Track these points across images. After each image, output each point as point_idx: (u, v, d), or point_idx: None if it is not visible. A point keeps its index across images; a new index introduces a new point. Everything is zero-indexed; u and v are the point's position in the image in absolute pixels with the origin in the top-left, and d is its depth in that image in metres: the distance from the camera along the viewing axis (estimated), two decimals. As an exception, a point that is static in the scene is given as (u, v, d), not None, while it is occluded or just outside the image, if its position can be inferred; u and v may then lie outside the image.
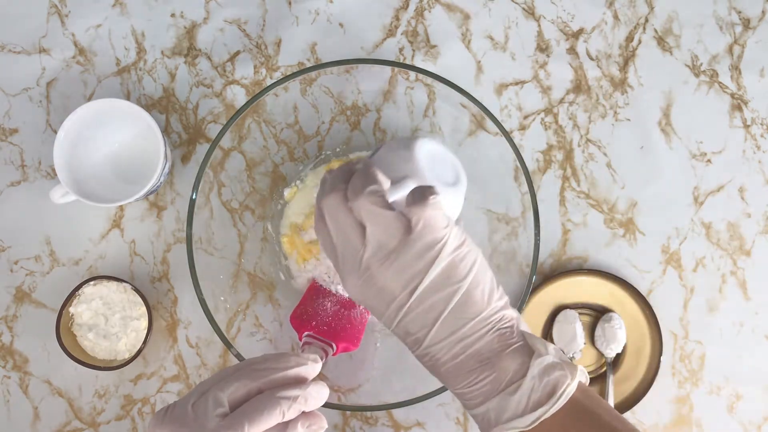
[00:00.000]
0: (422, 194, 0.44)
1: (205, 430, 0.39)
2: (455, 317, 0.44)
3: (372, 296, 0.45)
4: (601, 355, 0.70)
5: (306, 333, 0.60)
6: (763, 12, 0.75)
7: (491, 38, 0.74)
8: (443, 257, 0.43)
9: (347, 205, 0.44)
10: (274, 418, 0.41)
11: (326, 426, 0.45)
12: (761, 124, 0.74)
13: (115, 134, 0.69)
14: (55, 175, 0.70)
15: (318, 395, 0.44)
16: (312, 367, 0.44)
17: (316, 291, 0.65)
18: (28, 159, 0.71)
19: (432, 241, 0.43)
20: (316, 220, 0.48)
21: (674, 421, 0.70)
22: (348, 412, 0.70)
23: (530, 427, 0.42)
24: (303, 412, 0.44)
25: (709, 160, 0.73)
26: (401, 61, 0.73)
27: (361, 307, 0.64)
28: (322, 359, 0.59)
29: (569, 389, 0.42)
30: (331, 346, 0.60)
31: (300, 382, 0.43)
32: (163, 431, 0.41)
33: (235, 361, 0.69)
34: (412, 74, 0.65)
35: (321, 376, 0.63)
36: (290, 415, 0.42)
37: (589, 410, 0.43)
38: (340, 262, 0.45)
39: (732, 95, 0.74)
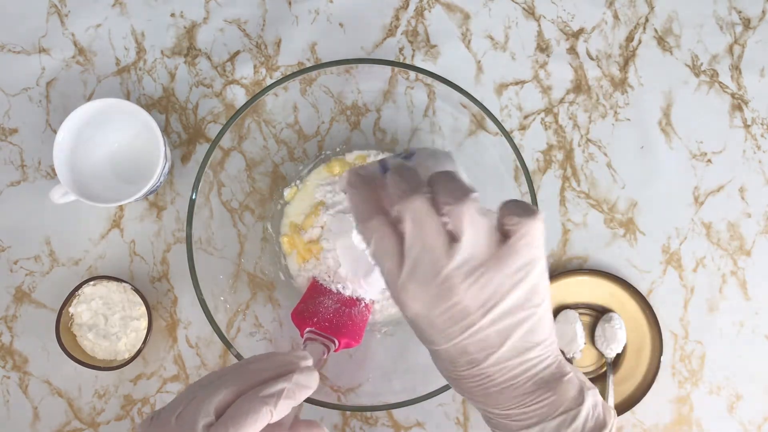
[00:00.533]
0: (529, 206, 0.40)
1: None
2: (523, 340, 0.41)
3: (440, 311, 0.40)
4: (601, 355, 0.70)
5: (308, 329, 0.60)
6: (763, 12, 0.75)
7: (491, 38, 0.74)
8: (532, 278, 0.40)
9: (438, 210, 0.39)
10: (262, 419, 0.38)
11: None
12: (761, 124, 0.74)
13: (115, 134, 0.69)
14: (55, 175, 0.70)
15: (306, 383, 0.41)
16: (303, 365, 0.42)
17: (316, 289, 0.65)
18: (28, 159, 0.71)
19: (528, 259, 0.39)
20: (365, 219, 0.41)
21: (674, 421, 0.70)
22: (348, 412, 0.69)
23: None
24: (302, 422, 0.42)
25: (709, 160, 0.73)
26: (401, 61, 0.73)
27: (362, 305, 0.64)
28: (324, 355, 0.58)
29: (615, 425, 0.43)
30: (333, 342, 0.60)
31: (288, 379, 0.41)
32: None
33: (234, 361, 0.69)
34: (412, 74, 0.65)
35: (321, 376, 0.63)
36: (280, 412, 0.39)
37: None
38: (406, 271, 0.40)
39: (732, 95, 0.74)
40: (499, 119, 0.68)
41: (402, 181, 0.41)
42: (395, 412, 0.70)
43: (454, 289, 0.39)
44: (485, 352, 0.41)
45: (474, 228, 0.39)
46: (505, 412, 0.42)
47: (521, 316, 0.40)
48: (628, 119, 0.73)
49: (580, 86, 0.73)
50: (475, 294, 0.39)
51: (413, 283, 0.40)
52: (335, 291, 0.64)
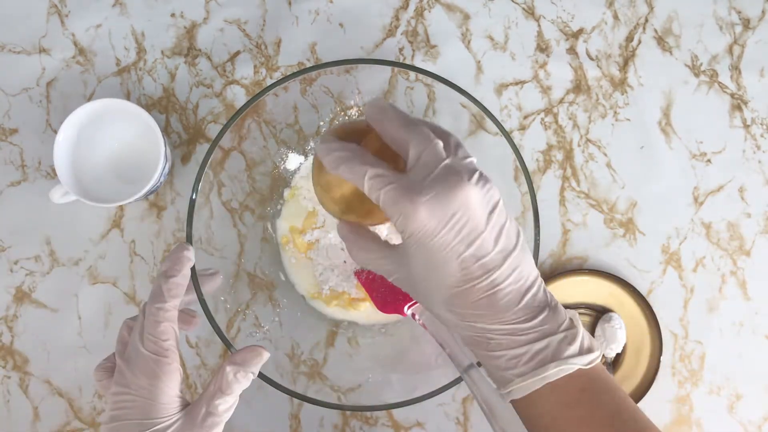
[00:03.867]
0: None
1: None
2: (521, 256, 0.43)
3: (456, 214, 0.41)
4: (601, 355, 0.70)
5: (407, 308, 0.60)
6: (763, 12, 0.75)
7: (491, 38, 0.74)
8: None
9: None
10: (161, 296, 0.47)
11: (251, 373, 0.47)
12: (761, 124, 0.74)
13: (115, 134, 0.69)
14: (55, 175, 0.70)
15: (174, 253, 0.48)
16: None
17: (369, 281, 0.64)
18: (28, 159, 0.71)
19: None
20: (365, 164, 0.42)
21: (674, 421, 0.70)
22: (348, 412, 0.70)
23: (588, 366, 0.43)
24: (233, 363, 0.46)
25: (709, 160, 0.73)
26: (401, 61, 0.73)
27: None
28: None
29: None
30: None
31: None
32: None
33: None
34: (412, 74, 0.65)
35: (321, 376, 0.63)
36: (169, 289, 0.47)
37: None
38: (416, 179, 0.41)
39: (732, 95, 0.74)
40: (499, 119, 0.68)
41: (405, 115, 0.43)
42: (395, 412, 0.70)
43: (465, 189, 0.40)
44: (502, 255, 0.42)
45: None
46: (512, 326, 0.43)
47: (514, 230, 0.43)
48: (628, 119, 0.73)
49: (579, 86, 0.73)
50: (481, 198, 0.41)
51: (426, 188, 0.40)
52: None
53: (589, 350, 0.43)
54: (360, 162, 0.42)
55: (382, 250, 0.45)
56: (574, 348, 0.43)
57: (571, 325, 0.44)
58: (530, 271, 0.44)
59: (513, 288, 0.43)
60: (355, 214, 0.47)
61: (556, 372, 0.43)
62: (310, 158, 0.70)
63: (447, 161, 0.41)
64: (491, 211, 0.42)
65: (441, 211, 0.40)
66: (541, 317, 0.43)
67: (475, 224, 0.41)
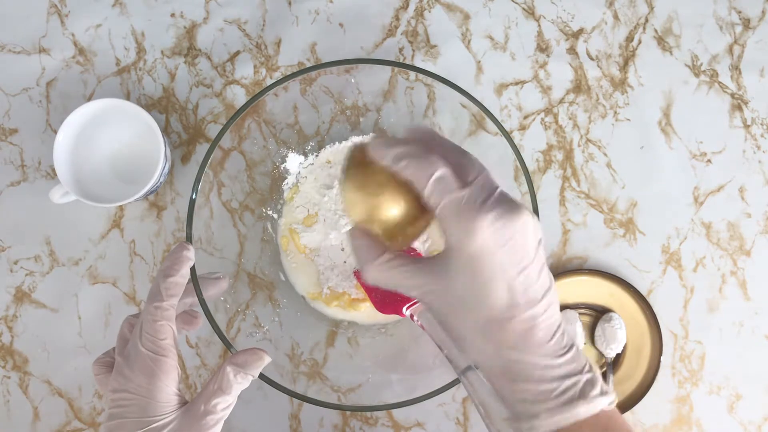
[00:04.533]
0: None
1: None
2: (554, 296, 0.44)
3: (509, 241, 0.41)
4: (601, 355, 0.70)
5: (405, 309, 0.59)
6: (763, 12, 0.75)
7: (491, 38, 0.74)
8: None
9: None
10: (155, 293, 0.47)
11: (250, 375, 0.47)
12: (761, 124, 0.74)
13: (115, 134, 0.69)
14: (55, 175, 0.70)
15: (174, 253, 0.49)
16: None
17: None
18: (28, 159, 0.71)
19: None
20: (427, 159, 0.40)
21: (674, 421, 0.70)
22: (348, 412, 0.70)
23: (609, 408, 0.43)
24: (234, 365, 0.47)
25: (709, 160, 0.73)
26: (401, 61, 0.73)
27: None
28: None
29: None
30: None
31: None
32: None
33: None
34: (412, 74, 0.65)
35: (321, 376, 0.63)
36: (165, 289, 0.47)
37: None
38: (482, 198, 0.40)
39: (732, 95, 0.74)
40: (499, 119, 0.68)
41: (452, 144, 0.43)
42: (395, 412, 0.70)
43: (524, 215, 0.40)
44: (542, 289, 0.42)
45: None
46: (546, 360, 0.43)
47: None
48: (628, 119, 0.73)
49: (580, 86, 0.73)
50: (534, 228, 0.41)
51: (491, 207, 0.39)
52: None
53: (607, 393, 0.44)
54: (430, 160, 0.40)
55: (412, 263, 0.44)
56: (598, 389, 0.43)
57: (591, 368, 0.44)
58: (558, 312, 0.44)
59: (547, 324, 0.43)
60: (380, 227, 0.43)
61: (585, 411, 0.42)
62: (310, 158, 0.70)
63: (501, 189, 0.41)
64: (538, 245, 0.41)
65: (502, 230, 0.39)
66: (569, 355, 0.43)
67: (526, 252, 0.41)
